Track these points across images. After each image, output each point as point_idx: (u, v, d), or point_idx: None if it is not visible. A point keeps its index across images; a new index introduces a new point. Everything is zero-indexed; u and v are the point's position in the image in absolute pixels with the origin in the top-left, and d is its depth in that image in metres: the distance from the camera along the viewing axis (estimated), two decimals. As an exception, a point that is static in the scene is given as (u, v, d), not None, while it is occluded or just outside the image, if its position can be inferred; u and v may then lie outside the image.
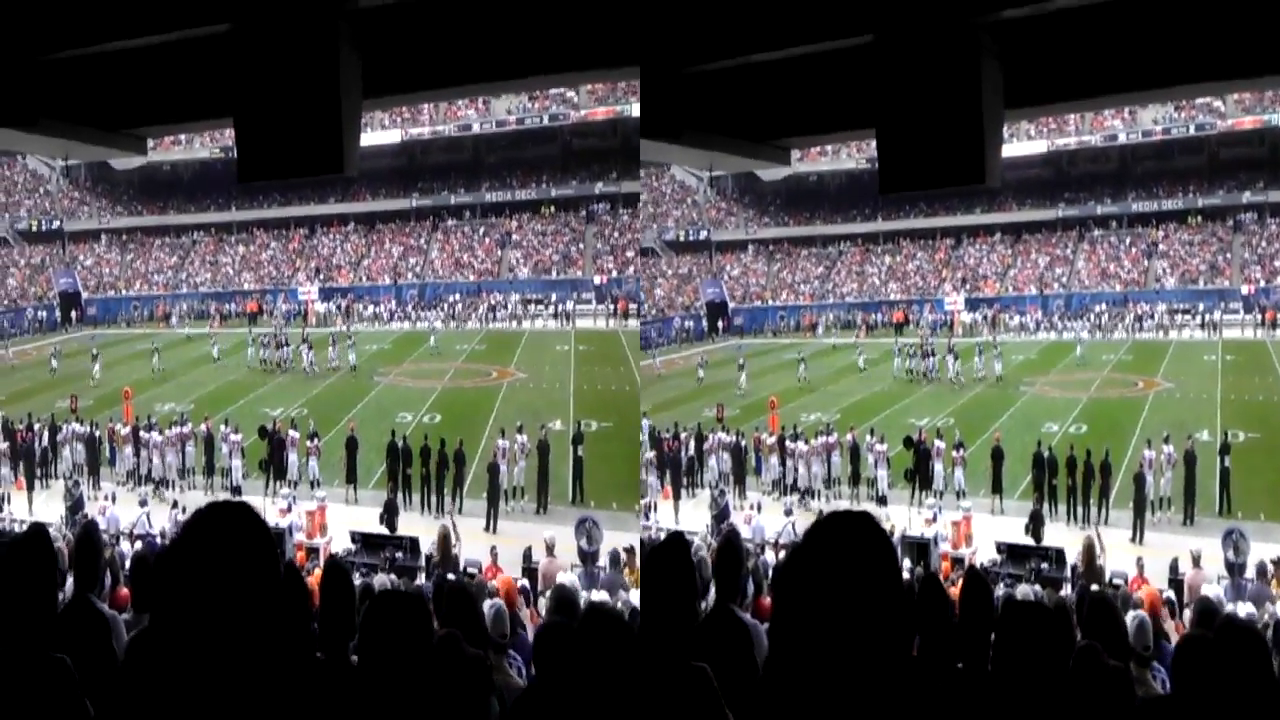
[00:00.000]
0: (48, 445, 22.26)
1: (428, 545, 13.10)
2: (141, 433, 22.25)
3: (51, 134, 4.23)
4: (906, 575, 9.99)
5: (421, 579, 11.63)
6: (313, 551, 11.49)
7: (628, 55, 3.66)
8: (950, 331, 39.80)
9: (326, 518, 16.25)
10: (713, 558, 4.43)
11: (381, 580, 9.95)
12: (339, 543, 13.04)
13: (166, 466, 21.60)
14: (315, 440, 21.29)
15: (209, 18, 3.68)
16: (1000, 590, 9.57)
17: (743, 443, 22.87)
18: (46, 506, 19.51)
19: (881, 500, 20.82)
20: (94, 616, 4.08)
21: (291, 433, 21.87)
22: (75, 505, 17.92)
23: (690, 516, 19.95)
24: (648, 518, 18.87)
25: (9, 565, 3.36)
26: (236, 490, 20.76)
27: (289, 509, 16.03)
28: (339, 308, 42.13)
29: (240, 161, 3.59)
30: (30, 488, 21.25)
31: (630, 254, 44.32)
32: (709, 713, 2.98)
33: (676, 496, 21.14)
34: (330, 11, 3.52)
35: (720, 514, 18.34)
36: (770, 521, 17.11)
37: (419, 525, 16.52)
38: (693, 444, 22.72)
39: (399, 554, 13.56)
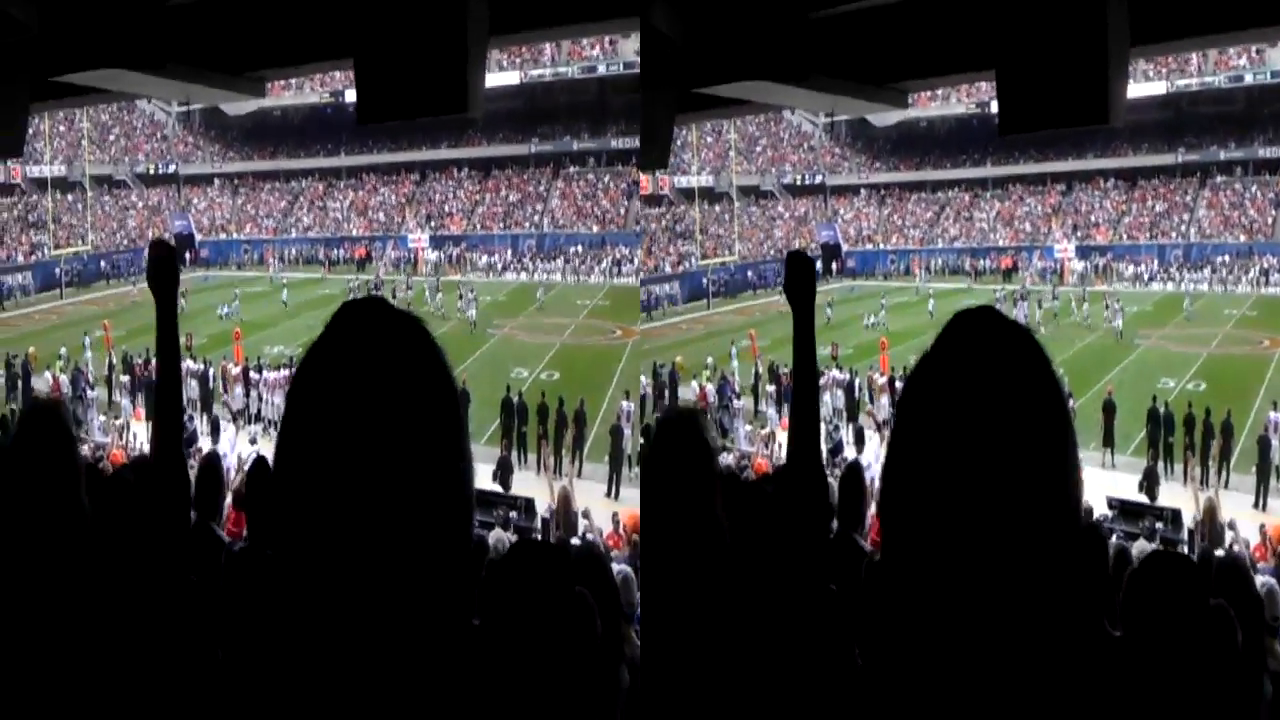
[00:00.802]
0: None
1: (544, 507, 12.71)
2: (251, 373, 22.77)
3: (176, 77, 4.33)
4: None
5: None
6: None
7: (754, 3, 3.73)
8: (1060, 279, 38.97)
9: None
10: (837, 486, 4.55)
11: (499, 536, 9.65)
12: None
13: (274, 407, 21.88)
14: None
15: None
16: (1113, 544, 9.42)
17: (856, 380, 23.02)
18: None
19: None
20: (215, 542, 4.32)
21: None
22: (188, 439, 18.47)
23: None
24: (766, 447, 19.17)
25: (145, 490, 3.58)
26: None
27: None
28: (450, 256, 41.58)
29: (360, 103, 3.58)
30: (149, 419, 22.15)
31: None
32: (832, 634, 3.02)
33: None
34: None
35: (834, 448, 18.67)
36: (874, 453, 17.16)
37: (535, 486, 16.11)
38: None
39: (514, 513, 13.24)
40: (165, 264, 2.83)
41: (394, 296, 32.63)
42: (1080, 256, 41.71)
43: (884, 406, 22.54)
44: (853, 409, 22.59)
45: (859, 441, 14.98)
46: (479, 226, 44.98)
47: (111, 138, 49.06)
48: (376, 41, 3.53)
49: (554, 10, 3.94)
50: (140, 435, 19.62)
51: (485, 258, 41.27)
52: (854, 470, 4.76)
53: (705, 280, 39.08)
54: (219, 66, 4.64)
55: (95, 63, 3.91)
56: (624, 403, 19.87)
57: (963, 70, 5.00)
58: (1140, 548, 7.91)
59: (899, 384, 22.63)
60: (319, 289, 35.07)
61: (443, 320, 30.95)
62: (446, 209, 46.69)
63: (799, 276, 2.99)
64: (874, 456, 14.10)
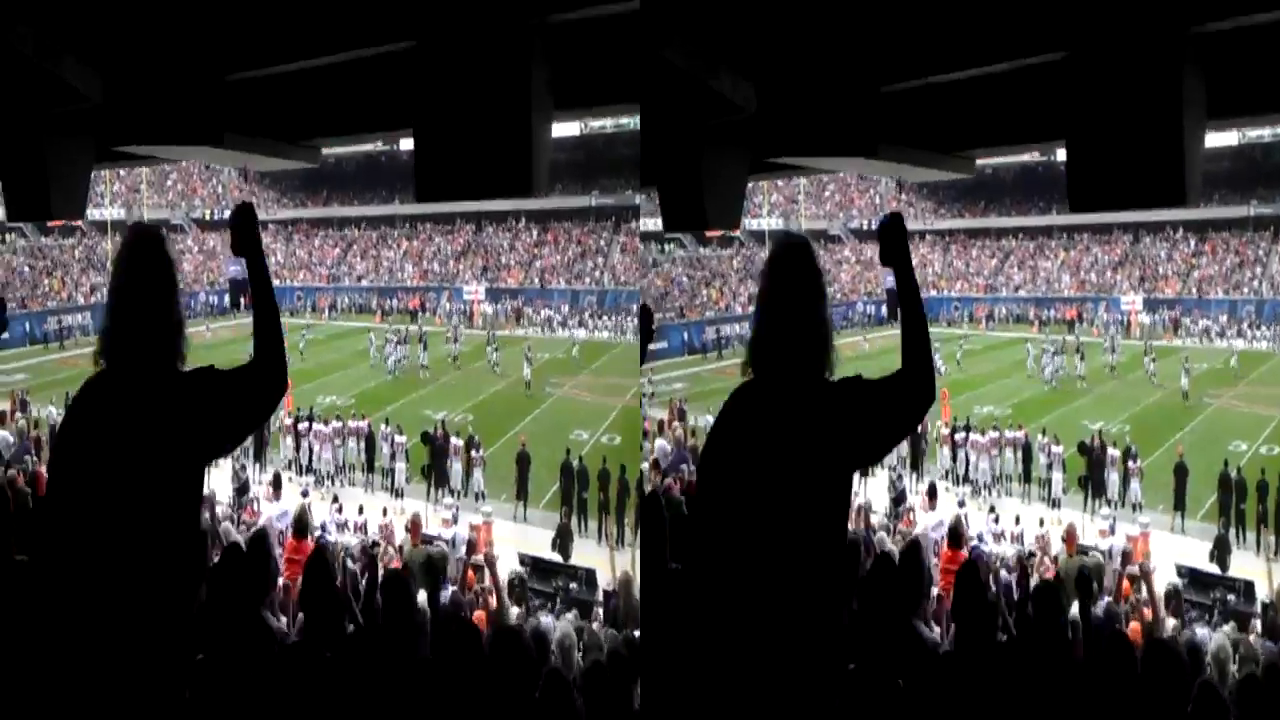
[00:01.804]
0: None
1: (604, 579, 12.28)
2: (301, 423, 22.31)
3: (233, 147, 4.38)
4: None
5: (600, 616, 10.90)
6: (478, 568, 10.84)
7: (827, 77, 3.68)
8: (1127, 332, 38.30)
9: (493, 534, 15.52)
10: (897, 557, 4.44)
11: (551, 624, 8.95)
12: (506, 564, 12.32)
13: (323, 460, 21.60)
14: (479, 451, 20.52)
15: (393, 36, 3.76)
16: (1202, 634, 8.84)
17: (920, 429, 22.73)
18: (216, 485, 20.16)
19: (1054, 503, 20.30)
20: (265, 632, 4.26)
21: (454, 440, 21.09)
22: (241, 488, 18.41)
23: (872, 494, 19.77)
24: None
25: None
26: (399, 493, 20.49)
27: (454, 520, 15.41)
28: (507, 310, 40.96)
29: (419, 181, 3.55)
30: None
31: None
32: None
33: (863, 473, 21.16)
34: (523, 26, 3.51)
35: (898, 497, 18.49)
36: (944, 510, 16.74)
37: (595, 556, 15.64)
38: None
39: (573, 584, 12.80)
40: (247, 225, 3.14)
41: (450, 349, 32.56)
42: (1148, 309, 40.99)
43: (944, 457, 22.33)
44: (917, 458, 22.29)
45: (931, 496, 14.62)
46: (537, 280, 44.52)
47: (169, 182, 50.14)
48: (437, 115, 3.51)
49: (617, 85, 3.90)
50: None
51: (544, 312, 40.65)
52: (914, 550, 4.62)
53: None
54: (275, 134, 4.67)
55: (155, 138, 3.97)
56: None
57: (1033, 140, 4.91)
58: (1218, 643, 7.46)
59: (959, 435, 22.46)
60: (377, 339, 34.29)
61: (498, 378, 30.30)
62: (503, 261, 46.40)
63: (892, 243, 3.06)
64: (946, 516, 13.81)
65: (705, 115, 4.02)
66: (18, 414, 21.53)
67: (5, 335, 33.05)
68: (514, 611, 9.03)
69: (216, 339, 34.44)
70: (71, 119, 4.39)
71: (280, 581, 6.03)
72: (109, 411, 2.85)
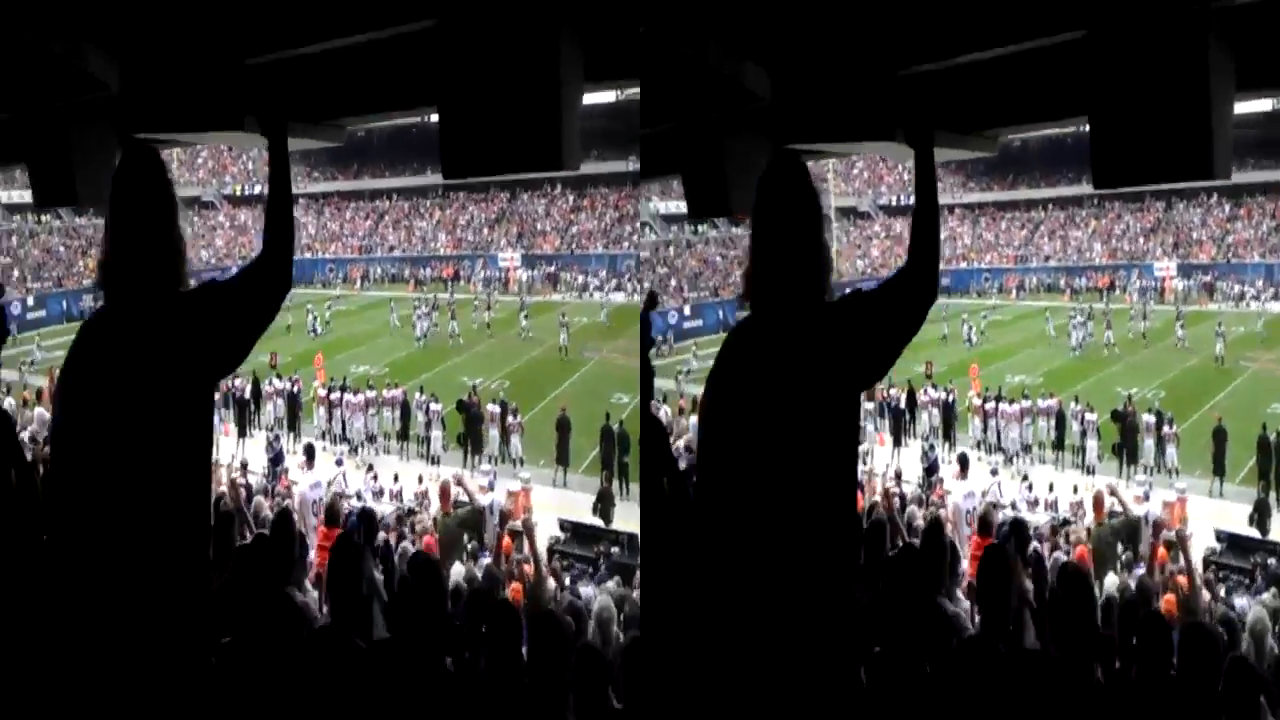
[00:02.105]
0: (250, 397, 22.73)
1: None
2: (334, 393, 22.38)
3: (254, 129, 4.39)
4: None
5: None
6: (516, 535, 10.64)
7: (842, 63, 3.66)
8: (1161, 299, 37.92)
9: (531, 500, 15.23)
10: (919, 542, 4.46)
11: (591, 594, 8.80)
12: (546, 530, 12.16)
13: (356, 429, 21.49)
14: (516, 417, 20.36)
15: (414, 15, 3.72)
16: (1241, 604, 8.67)
17: (951, 399, 22.68)
18: (251, 455, 19.79)
19: (1089, 470, 20.24)
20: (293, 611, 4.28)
21: (491, 407, 20.89)
22: (276, 458, 18.47)
23: (905, 465, 19.74)
24: (864, 463, 18.96)
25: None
26: (435, 460, 20.30)
27: (490, 487, 14.98)
28: (543, 276, 40.50)
29: (445, 156, 3.56)
30: (241, 434, 21.78)
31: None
32: None
33: (896, 444, 21.16)
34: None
35: (930, 467, 18.57)
36: (976, 480, 16.65)
37: (637, 520, 15.64)
38: (904, 398, 22.69)
39: (615, 549, 12.76)
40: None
41: (483, 316, 32.54)
42: (1182, 275, 40.53)
43: (976, 427, 22.33)
44: (949, 428, 22.28)
45: (963, 466, 14.51)
46: (574, 246, 43.47)
47: (200, 159, 50.15)
48: (462, 91, 3.48)
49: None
50: (228, 450, 19.73)
51: (581, 278, 39.88)
52: (935, 529, 4.63)
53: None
54: (298, 116, 4.68)
55: (173, 125, 3.99)
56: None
57: (1055, 117, 4.88)
58: (1256, 614, 7.36)
59: (990, 405, 22.45)
60: (405, 308, 34.20)
61: (534, 344, 30.10)
62: (539, 227, 45.65)
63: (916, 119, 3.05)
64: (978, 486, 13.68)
65: (725, 103, 4.02)
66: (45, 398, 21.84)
67: (14, 330, 33.34)
68: (551, 584, 8.94)
69: None
70: (94, 106, 4.43)
71: (312, 559, 6.06)
72: (110, 348, 2.78)
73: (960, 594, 5.11)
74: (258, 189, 49.02)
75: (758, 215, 2.82)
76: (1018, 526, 8.23)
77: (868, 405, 23.35)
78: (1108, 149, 3.74)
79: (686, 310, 38.80)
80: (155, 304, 2.83)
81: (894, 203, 49.37)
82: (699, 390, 23.32)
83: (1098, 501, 11.03)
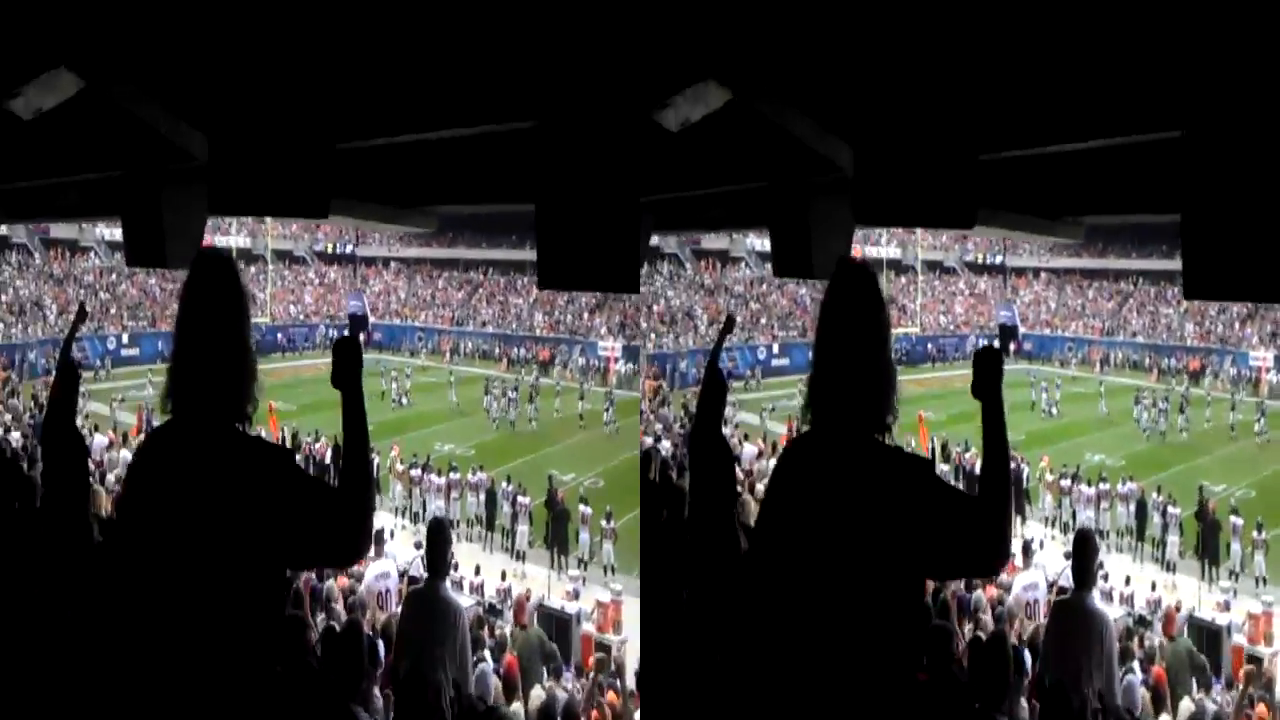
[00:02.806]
0: (330, 463, 21.78)
1: None
2: (414, 470, 21.37)
3: (342, 213, 4.35)
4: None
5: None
6: (602, 647, 10.24)
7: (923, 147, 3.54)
8: (1255, 389, 36.65)
9: (622, 613, 14.00)
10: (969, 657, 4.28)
11: None
12: (636, 645, 11.49)
13: (436, 510, 20.31)
14: (610, 521, 18.93)
15: (514, 115, 3.68)
16: None
17: (1024, 470, 22.10)
18: None
19: (1169, 567, 19.47)
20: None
21: (583, 509, 19.61)
22: None
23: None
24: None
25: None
26: (520, 556, 19.21)
27: (576, 595, 14.42)
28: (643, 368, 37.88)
29: (541, 269, 3.52)
30: None
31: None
32: None
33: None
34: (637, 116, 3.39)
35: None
36: (1049, 561, 16.16)
37: None
38: (978, 464, 22.18)
39: None
40: (349, 357, 2.88)
41: (577, 406, 30.77)
42: (1279, 367, 39.17)
43: (1048, 505, 21.65)
44: (1020, 501, 21.66)
45: (1025, 554, 14.03)
46: (680, 338, 41.21)
47: (292, 215, 50.82)
48: (558, 204, 3.45)
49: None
50: None
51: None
52: (998, 642, 4.43)
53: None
54: (388, 200, 4.67)
55: (258, 209, 3.99)
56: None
57: (1148, 210, 4.69)
58: None
59: (1065, 483, 21.76)
60: (495, 387, 32.78)
61: (625, 441, 28.22)
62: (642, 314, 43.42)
63: (988, 374, 2.86)
64: (1044, 574, 13.19)
65: (811, 169, 3.98)
66: (141, 433, 22.00)
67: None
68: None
69: (316, 374, 33.93)
70: (186, 173, 4.48)
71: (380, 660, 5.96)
72: (174, 476, 2.72)
73: (1023, 700, 4.87)
74: (349, 248, 49.29)
75: (822, 326, 2.75)
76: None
77: (944, 467, 22.87)
78: (1200, 258, 3.54)
79: (775, 348, 38.61)
80: (222, 432, 2.76)
81: (980, 260, 48.91)
82: (780, 428, 23.18)
83: (1168, 618, 10.46)
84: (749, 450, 19.47)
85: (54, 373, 3.30)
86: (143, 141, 4.43)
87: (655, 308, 41.80)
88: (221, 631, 2.62)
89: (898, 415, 2.73)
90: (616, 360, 38.26)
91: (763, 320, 42.03)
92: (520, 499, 19.84)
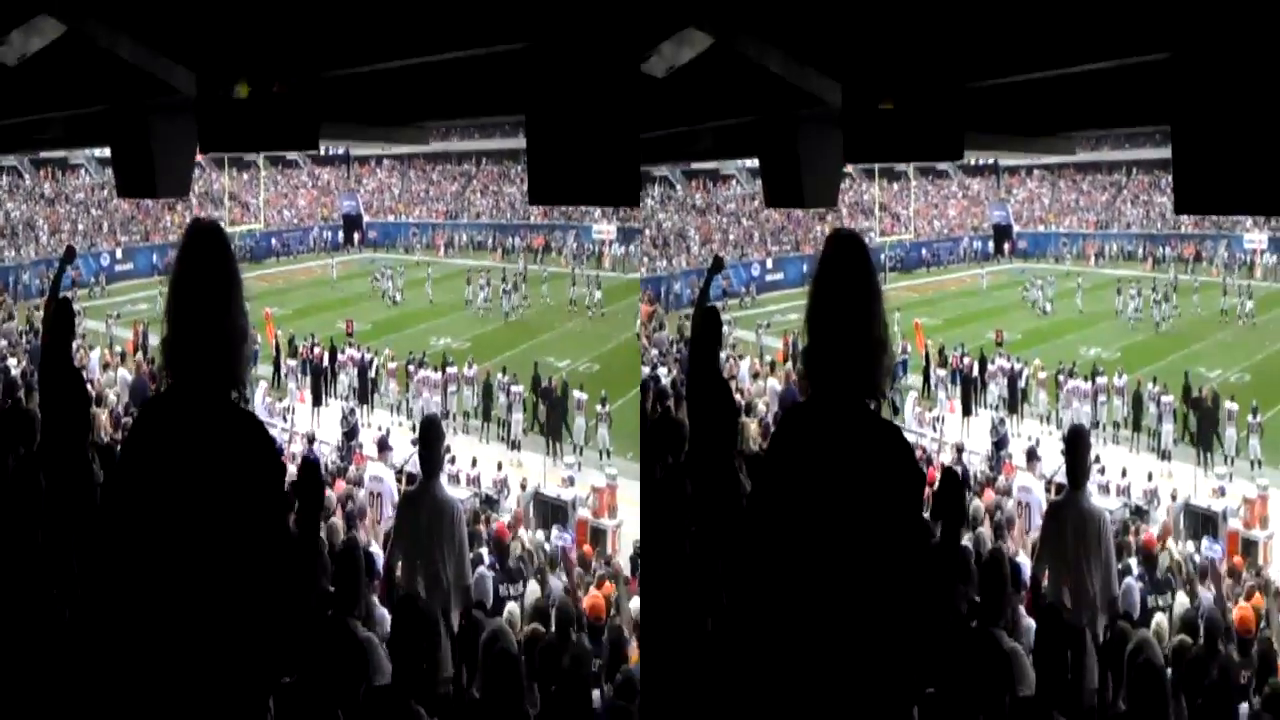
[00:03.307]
0: (327, 366, 22.20)
1: None
2: (410, 367, 21.47)
3: (333, 137, 4.36)
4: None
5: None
6: (598, 533, 10.24)
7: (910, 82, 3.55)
8: (1250, 273, 36.68)
9: (617, 499, 13.94)
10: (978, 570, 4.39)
11: None
12: (631, 528, 11.31)
13: (434, 406, 20.24)
14: (605, 405, 19.04)
15: (506, 37, 3.68)
16: None
17: (1021, 369, 22.25)
18: (325, 426, 19.84)
19: (1165, 455, 19.70)
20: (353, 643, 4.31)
21: (577, 394, 19.78)
22: (350, 432, 18.27)
23: (975, 434, 19.41)
24: (935, 429, 18.94)
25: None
26: (514, 445, 19.52)
27: (571, 481, 14.46)
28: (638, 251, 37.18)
29: (532, 184, 3.58)
30: (316, 403, 21.42)
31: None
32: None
33: (965, 413, 20.86)
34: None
35: (1000, 441, 18.25)
36: (1047, 458, 16.31)
37: None
38: (975, 366, 22.38)
39: None
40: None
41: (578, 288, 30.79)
42: (1275, 249, 39.06)
43: (1041, 403, 21.84)
44: (1015, 401, 21.87)
45: (1030, 458, 14.00)
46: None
47: (284, 118, 50.21)
48: (549, 119, 3.50)
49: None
50: (304, 417, 19.76)
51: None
52: (996, 560, 4.53)
53: (883, 256, 38.29)
54: (378, 121, 4.68)
55: (249, 145, 4.00)
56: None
57: (1135, 124, 4.70)
58: None
59: (1060, 379, 21.85)
60: (492, 278, 32.59)
61: (618, 325, 28.39)
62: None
63: (950, 496, 2.93)
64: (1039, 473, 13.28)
65: (798, 107, 4.00)
66: (137, 353, 21.96)
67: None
68: (635, 604, 8.37)
69: (311, 277, 34.04)
70: (174, 105, 4.47)
71: (379, 568, 6.04)
72: (171, 443, 2.77)
73: (1022, 609, 4.99)
74: (342, 149, 48.71)
75: (815, 297, 2.80)
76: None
77: (940, 372, 23.00)
78: (1191, 172, 3.58)
79: (769, 264, 38.50)
80: (216, 403, 2.81)
81: (973, 162, 48.47)
82: (776, 343, 23.30)
83: (1164, 534, 10.37)
84: (744, 368, 19.56)
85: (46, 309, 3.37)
86: (127, 77, 4.43)
87: (647, 231, 41.50)
88: (225, 603, 2.69)
89: (894, 383, 2.79)
90: (612, 242, 37.42)
91: (756, 236, 41.82)
92: (514, 388, 19.98)
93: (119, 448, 2.97)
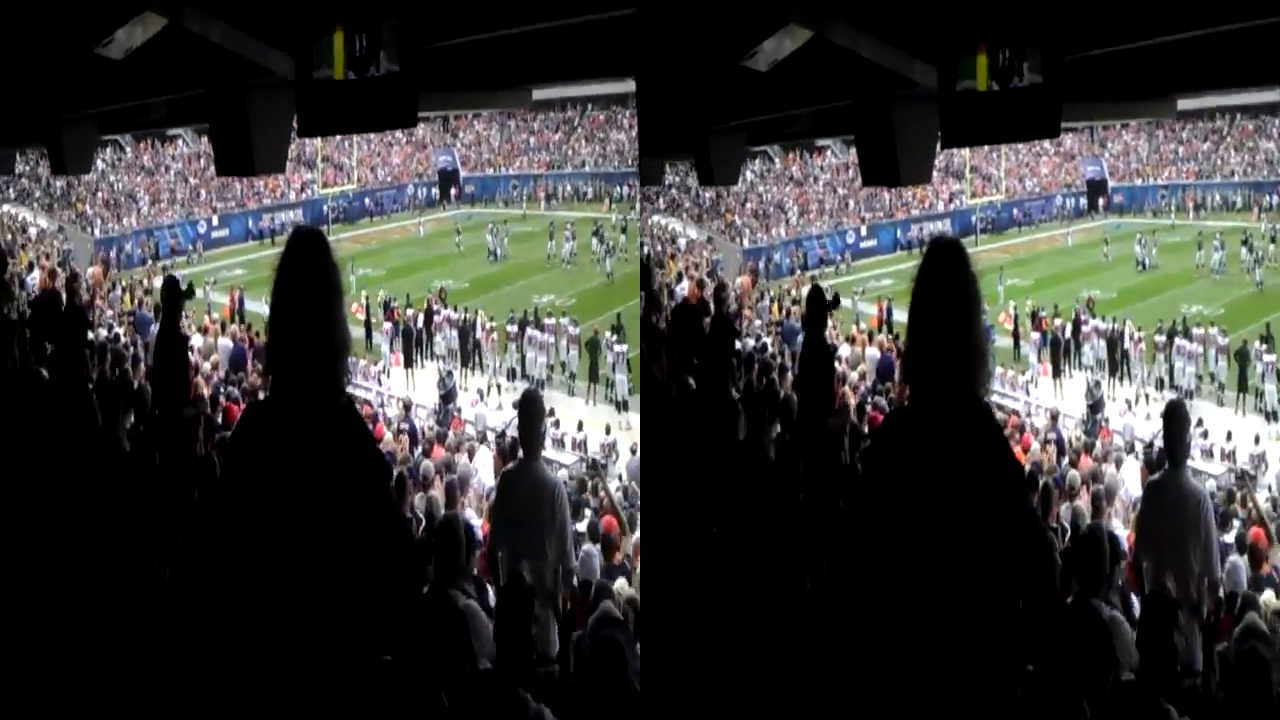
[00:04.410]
0: (421, 328, 21.85)
1: None
2: (510, 326, 21.24)
3: (433, 109, 4.43)
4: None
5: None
6: None
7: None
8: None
9: None
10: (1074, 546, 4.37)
11: None
12: None
13: (539, 366, 20.16)
14: None
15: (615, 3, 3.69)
16: None
17: (1119, 329, 21.72)
18: (421, 390, 19.72)
19: (1271, 415, 19.15)
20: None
21: None
22: (448, 395, 18.26)
23: (1069, 397, 19.03)
24: (1028, 393, 18.66)
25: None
26: (622, 406, 18.99)
27: None
28: None
29: (641, 134, 3.59)
30: (409, 365, 21.09)
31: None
32: None
33: (1055, 375, 20.46)
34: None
35: (1095, 404, 17.96)
36: (1143, 421, 16.05)
37: None
38: (1068, 327, 21.88)
39: None
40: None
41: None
42: (1391, 196, 37.44)
43: (1135, 362, 21.36)
44: (1114, 363, 21.38)
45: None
46: None
47: (380, 80, 50.47)
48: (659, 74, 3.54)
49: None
50: (400, 381, 19.67)
51: None
52: (1094, 534, 4.49)
53: (973, 219, 37.65)
54: (480, 86, 4.74)
55: (349, 127, 4.10)
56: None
57: (1242, 86, 4.57)
58: None
59: (1159, 338, 21.30)
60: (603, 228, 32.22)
61: None
62: None
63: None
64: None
65: (893, 89, 4.03)
66: (233, 316, 22.15)
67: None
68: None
69: (427, 233, 33.40)
70: (270, 84, 4.59)
71: (480, 538, 6.08)
72: (276, 451, 2.85)
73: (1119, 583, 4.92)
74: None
75: (916, 301, 2.85)
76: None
77: (1035, 335, 22.57)
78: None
79: (863, 230, 38.14)
80: (317, 406, 2.87)
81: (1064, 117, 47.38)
82: (872, 309, 23.10)
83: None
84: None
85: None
86: (224, 61, 4.56)
87: (749, 204, 41.18)
88: (329, 592, 2.78)
89: (989, 385, 2.81)
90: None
91: (850, 205, 41.50)
92: (617, 347, 19.43)
93: (229, 440, 3.07)
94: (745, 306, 26.42)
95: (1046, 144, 46.61)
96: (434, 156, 45.60)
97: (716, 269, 33.72)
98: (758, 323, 23.86)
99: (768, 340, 18.53)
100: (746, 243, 37.93)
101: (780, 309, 24.91)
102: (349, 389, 3.05)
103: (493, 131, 47.59)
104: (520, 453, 6.33)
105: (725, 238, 37.66)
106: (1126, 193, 44.68)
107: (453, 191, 43.79)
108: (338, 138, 43.57)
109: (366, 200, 42.01)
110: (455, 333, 21.61)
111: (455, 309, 22.43)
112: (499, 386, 19.64)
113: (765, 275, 33.05)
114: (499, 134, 47.31)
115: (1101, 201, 44.84)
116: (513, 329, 20.97)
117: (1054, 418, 15.26)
